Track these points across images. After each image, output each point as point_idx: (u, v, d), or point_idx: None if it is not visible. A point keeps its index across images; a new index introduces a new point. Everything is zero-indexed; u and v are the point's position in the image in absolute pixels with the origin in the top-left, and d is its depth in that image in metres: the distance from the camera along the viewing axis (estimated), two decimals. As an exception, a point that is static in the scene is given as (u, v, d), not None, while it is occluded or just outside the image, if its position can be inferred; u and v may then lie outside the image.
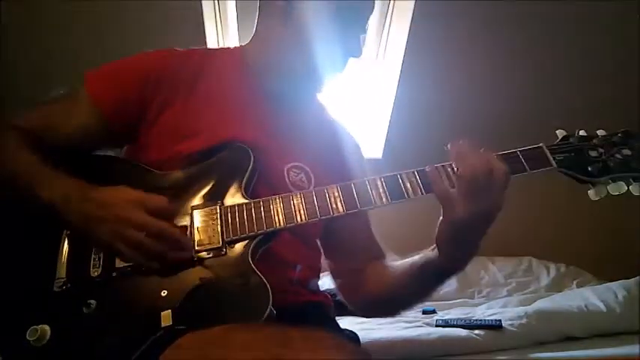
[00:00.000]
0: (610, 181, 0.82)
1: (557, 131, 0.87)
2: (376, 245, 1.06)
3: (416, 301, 1.02)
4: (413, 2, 2.12)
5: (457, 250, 0.81)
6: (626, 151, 0.82)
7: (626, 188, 0.82)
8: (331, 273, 1.09)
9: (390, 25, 2.39)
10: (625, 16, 2.16)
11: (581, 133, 0.86)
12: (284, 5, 0.96)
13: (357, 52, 0.98)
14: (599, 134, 0.86)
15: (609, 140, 0.85)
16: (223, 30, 2.40)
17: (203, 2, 2.12)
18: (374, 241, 1.07)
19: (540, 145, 0.84)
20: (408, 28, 2.23)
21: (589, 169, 0.82)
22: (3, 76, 2.21)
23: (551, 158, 0.83)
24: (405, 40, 2.28)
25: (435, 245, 0.83)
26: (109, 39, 2.10)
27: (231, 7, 2.36)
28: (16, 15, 2.07)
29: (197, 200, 0.85)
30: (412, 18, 2.17)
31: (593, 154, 0.83)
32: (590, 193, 0.83)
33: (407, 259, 0.94)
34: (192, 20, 2.13)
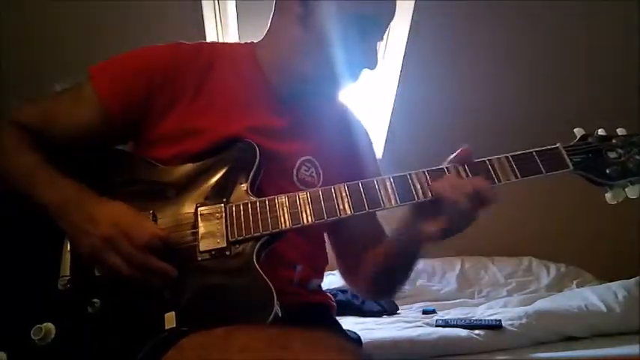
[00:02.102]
0: (628, 184, 0.80)
1: (574, 130, 0.84)
2: (378, 227, 1.06)
3: (398, 280, 1.02)
4: (413, 2, 2.12)
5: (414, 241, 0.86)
6: None
7: None
8: (335, 257, 1.09)
9: (390, 26, 2.39)
10: (628, 12, 2.16)
11: (600, 132, 0.83)
12: (301, 9, 0.93)
13: (372, 64, 0.95)
14: (618, 133, 0.83)
15: (629, 140, 0.81)
16: (223, 30, 2.39)
17: (203, 2, 2.12)
18: (376, 222, 1.06)
19: (557, 145, 0.82)
20: (408, 28, 2.23)
21: (607, 171, 0.79)
22: (3, 75, 2.21)
23: (568, 160, 0.81)
24: (405, 40, 2.28)
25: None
26: (109, 39, 2.10)
27: (231, 7, 2.36)
28: (17, 14, 2.07)
29: (202, 198, 0.84)
30: (412, 18, 2.17)
31: (612, 155, 0.80)
32: (607, 196, 0.81)
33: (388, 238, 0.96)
34: (192, 20, 2.13)
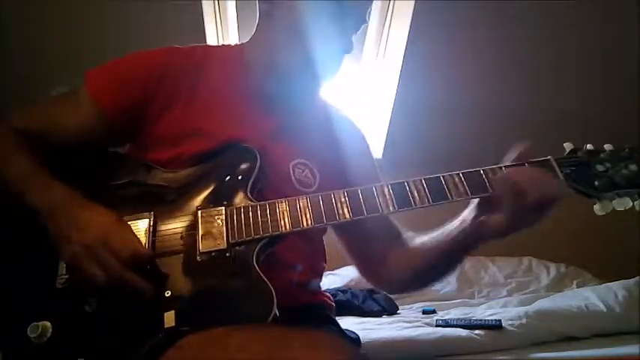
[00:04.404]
0: (616, 196, 0.82)
1: (564, 144, 0.87)
2: (393, 226, 1.06)
3: (439, 275, 1.04)
4: (413, 2, 2.12)
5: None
6: (633, 167, 0.82)
7: (632, 204, 0.82)
8: (353, 262, 1.10)
9: (390, 25, 2.39)
10: (627, 13, 2.16)
11: (589, 147, 0.86)
12: (266, 6, 0.97)
13: (347, 47, 0.96)
14: (606, 149, 0.85)
15: (616, 155, 0.84)
16: (223, 30, 2.40)
17: (203, 2, 2.12)
18: (390, 222, 1.06)
19: (549, 157, 0.84)
20: (408, 28, 2.23)
21: (595, 183, 0.82)
22: (3, 76, 2.21)
23: (559, 172, 0.83)
24: (405, 40, 2.28)
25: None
26: (109, 39, 2.10)
27: (231, 7, 2.37)
28: (16, 14, 2.07)
29: (202, 201, 0.84)
30: (412, 18, 2.17)
31: (600, 168, 0.83)
32: (596, 207, 0.83)
33: (434, 234, 0.95)
34: (192, 20, 2.13)
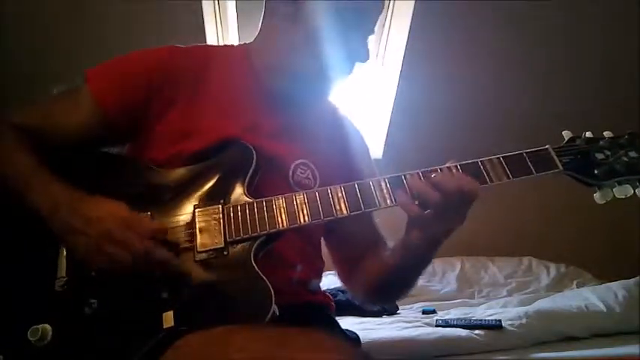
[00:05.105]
0: (616, 184, 0.81)
1: (563, 132, 0.86)
2: (377, 233, 1.05)
3: (401, 288, 1.02)
4: (413, 2, 2.12)
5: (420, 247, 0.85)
6: (633, 154, 0.81)
7: (633, 191, 0.81)
8: (333, 262, 1.10)
9: (390, 25, 2.39)
10: (626, 14, 2.16)
11: (588, 134, 0.85)
12: (290, 8, 0.95)
13: (363, 57, 0.97)
14: (605, 136, 0.85)
15: (616, 142, 0.83)
16: (223, 30, 2.40)
17: (203, 2, 2.12)
18: (374, 229, 1.06)
19: (547, 147, 0.83)
20: (408, 28, 2.23)
21: (595, 172, 0.81)
22: (2, 75, 2.21)
23: (558, 161, 0.82)
24: (405, 40, 2.28)
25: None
26: (109, 39, 2.10)
27: (231, 7, 2.37)
28: (16, 15, 2.07)
29: (199, 199, 0.84)
30: (412, 18, 2.17)
31: (599, 156, 0.82)
32: (596, 196, 0.82)
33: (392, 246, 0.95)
34: (192, 20, 2.13)
